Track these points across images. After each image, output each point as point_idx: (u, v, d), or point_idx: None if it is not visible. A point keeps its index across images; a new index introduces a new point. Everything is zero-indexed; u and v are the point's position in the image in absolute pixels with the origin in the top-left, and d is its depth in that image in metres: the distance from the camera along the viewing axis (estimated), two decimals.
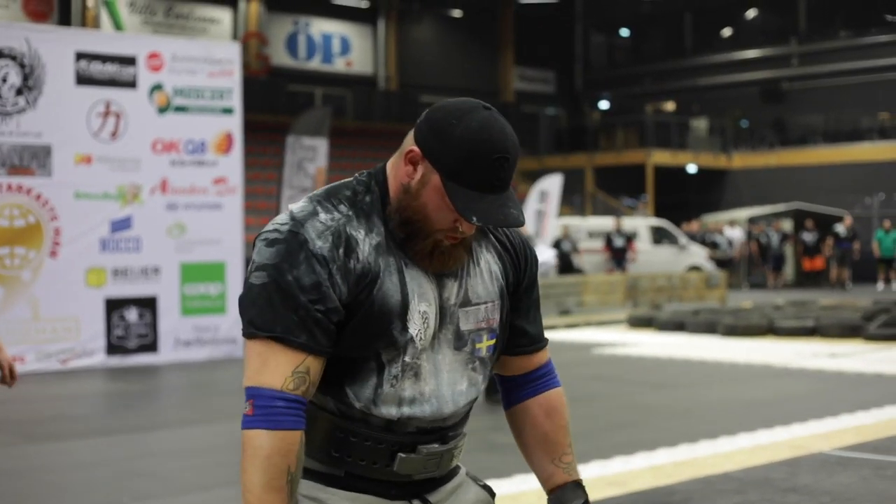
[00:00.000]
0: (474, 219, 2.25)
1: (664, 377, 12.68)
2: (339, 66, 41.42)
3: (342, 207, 2.35)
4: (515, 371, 2.62)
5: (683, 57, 44.58)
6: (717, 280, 24.47)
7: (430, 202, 2.31)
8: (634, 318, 19.28)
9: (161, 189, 14.09)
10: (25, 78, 13.19)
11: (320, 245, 2.27)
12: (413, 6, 42.39)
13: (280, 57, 39.60)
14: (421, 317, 2.34)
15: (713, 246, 30.12)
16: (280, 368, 2.24)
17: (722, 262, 29.53)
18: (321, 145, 16.91)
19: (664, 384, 12.10)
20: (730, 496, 6.67)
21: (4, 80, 13.05)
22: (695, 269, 28.04)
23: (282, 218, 2.33)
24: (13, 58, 13.14)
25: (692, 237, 30.56)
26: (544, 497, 2.64)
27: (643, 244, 29.03)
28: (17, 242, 13.12)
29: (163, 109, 14.15)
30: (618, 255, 27.29)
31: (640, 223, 30.40)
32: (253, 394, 2.24)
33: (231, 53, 14.96)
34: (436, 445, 2.40)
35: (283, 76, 39.05)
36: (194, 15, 37.42)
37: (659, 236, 29.77)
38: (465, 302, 2.42)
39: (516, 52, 45.07)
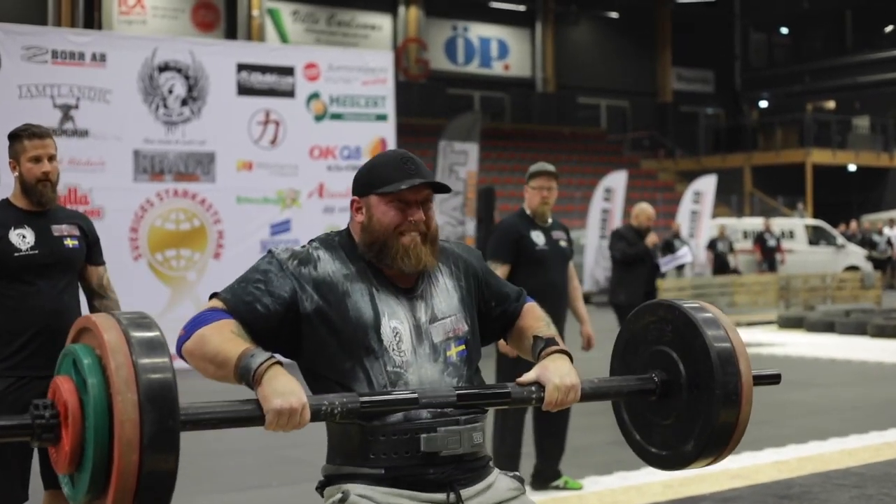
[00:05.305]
0: (403, 186, 2.86)
1: (806, 376, 12.81)
2: (496, 69, 41.94)
3: (314, 243, 2.99)
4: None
5: (844, 54, 43.90)
6: (872, 280, 24.21)
7: (378, 214, 2.90)
8: (784, 318, 19.34)
9: (318, 193, 14.70)
10: (190, 89, 13.94)
11: (280, 254, 2.91)
12: (570, 8, 42.62)
13: (439, 61, 40.26)
14: (392, 331, 2.82)
15: (871, 246, 29.74)
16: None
17: (879, 263, 29.15)
18: (472, 150, 17.29)
19: (804, 383, 12.23)
20: (847, 490, 6.91)
21: (171, 92, 13.82)
22: (853, 269, 27.69)
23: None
24: (178, 70, 13.90)
25: (850, 237, 30.20)
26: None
27: (799, 244, 28.82)
28: (183, 245, 13.85)
29: (319, 117, 14.77)
30: (769, 255, 27.23)
31: (797, 223, 30.12)
32: (185, 325, 2.82)
33: (385, 62, 15.52)
34: (453, 427, 2.78)
35: (441, 80, 39.68)
36: (355, 22, 38.33)
37: (816, 236, 29.48)
38: (433, 318, 2.90)
39: (674, 53, 44.98)
